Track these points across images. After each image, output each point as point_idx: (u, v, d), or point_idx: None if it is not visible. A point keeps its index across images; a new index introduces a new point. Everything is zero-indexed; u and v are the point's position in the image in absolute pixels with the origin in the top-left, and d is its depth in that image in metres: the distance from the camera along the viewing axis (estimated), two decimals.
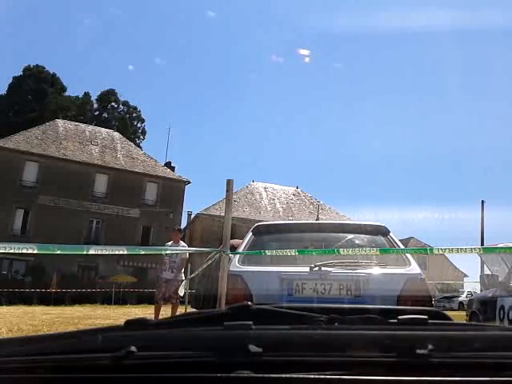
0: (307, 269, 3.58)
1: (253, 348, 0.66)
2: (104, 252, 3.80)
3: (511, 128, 70.61)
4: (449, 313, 1.22)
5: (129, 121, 49.98)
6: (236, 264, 3.80)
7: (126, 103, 50.93)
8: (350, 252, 3.54)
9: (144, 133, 51.95)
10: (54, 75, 46.78)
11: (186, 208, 36.02)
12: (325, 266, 3.55)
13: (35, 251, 3.04)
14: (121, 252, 3.89)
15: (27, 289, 23.81)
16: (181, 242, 8.40)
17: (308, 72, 73.54)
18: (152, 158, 36.17)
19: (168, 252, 8.06)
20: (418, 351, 0.65)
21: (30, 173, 30.71)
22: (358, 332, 0.74)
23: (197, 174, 76.35)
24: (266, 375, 0.63)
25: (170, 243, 8.22)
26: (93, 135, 35.40)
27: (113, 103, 50.61)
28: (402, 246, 4.14)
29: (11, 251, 2.76)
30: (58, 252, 3.31)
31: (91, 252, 3.34)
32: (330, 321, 0.79)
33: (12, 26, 62.47)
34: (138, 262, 29.94)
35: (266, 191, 39.88)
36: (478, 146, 66.94)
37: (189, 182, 35.59)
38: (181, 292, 8.75)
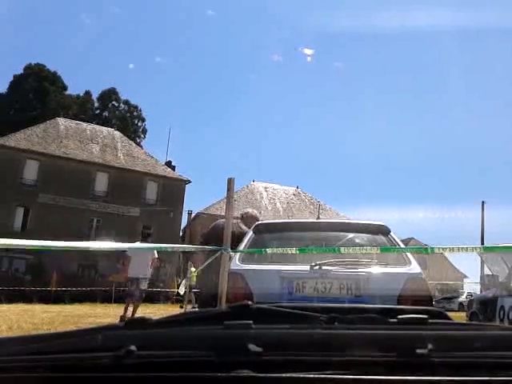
0: (308, 267, 3.57)
1: (253, 347, 0.66)
2: (103, 247, 3.79)
3: (511, 128, 70.58)
4: (448, 314, 1.22)
5: (129, 120, 49.96)
6: (236, 262, 3.80)
7: (126, 102, 50.92)
8: (350, 251, 3.53)
9: (144, 132, 51.97)
10: (54, 74, 46.75)
11: (186, 207, 36.00)
12: (325, 264, 3.54)
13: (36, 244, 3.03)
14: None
15: (27, 287, 23.82)
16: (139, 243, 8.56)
17: (308, 71, 73.47)
18: (152, 157, 36.16)
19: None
20: (418, 351, 0.65)
21: (31, 171, 30.70)
22: (358, 332, 0.74)
23: (197, 173, 76.58)
24: (265, 375, 0.63)
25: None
26: (93, 134, 35.40)
27: (113, 102, 50.57)
28: (402, 246, 4.13)
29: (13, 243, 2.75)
30: (59, 244, 3.30)
31: (91, 246, 3.33)
32: (330, 320, 0.79)
33: (13, 24, 62.55)
34: None
35: (266, 191, 39.87)
36: (478, 145, 66.79)
37: (189, 182, 35.58)
38: (181, 291, 8.78)
